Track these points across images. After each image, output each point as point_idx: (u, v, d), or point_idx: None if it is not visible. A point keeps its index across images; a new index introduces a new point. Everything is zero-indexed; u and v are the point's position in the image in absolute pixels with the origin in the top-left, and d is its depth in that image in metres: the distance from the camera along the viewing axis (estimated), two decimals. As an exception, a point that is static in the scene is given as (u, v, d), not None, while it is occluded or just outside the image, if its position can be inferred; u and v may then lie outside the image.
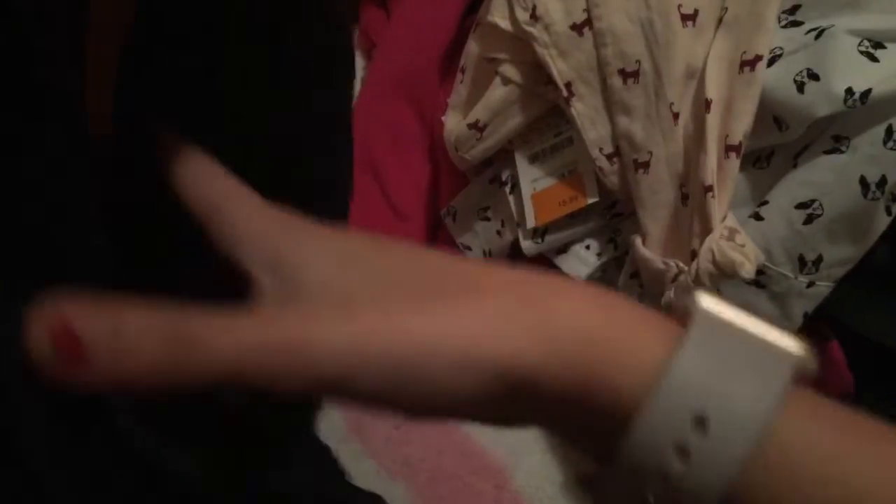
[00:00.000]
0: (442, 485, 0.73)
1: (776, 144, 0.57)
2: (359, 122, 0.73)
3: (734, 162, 0.55)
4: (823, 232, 0.55)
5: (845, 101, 0.51)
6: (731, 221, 0.55)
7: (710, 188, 0.55)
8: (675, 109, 0.57)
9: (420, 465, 0.73)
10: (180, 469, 0.39)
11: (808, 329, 0.60)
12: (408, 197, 0.72)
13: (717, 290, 0.57)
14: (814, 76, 0.53)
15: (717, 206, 0.55)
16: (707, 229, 0.55)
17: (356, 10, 0.90)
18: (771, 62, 0.56)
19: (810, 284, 0.57)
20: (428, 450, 0.73)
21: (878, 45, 0.53)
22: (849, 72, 0.52)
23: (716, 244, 0.53)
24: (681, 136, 0.58)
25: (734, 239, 0.54)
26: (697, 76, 0.58)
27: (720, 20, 0.58)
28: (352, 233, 0.29)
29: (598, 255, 0.65)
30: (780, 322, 0.58)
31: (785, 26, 0.56)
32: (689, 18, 0.58)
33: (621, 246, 0.65)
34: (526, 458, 0.73)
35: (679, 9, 0.58)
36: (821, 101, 0.53)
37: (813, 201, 0.55)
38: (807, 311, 0.58)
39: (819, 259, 0.56)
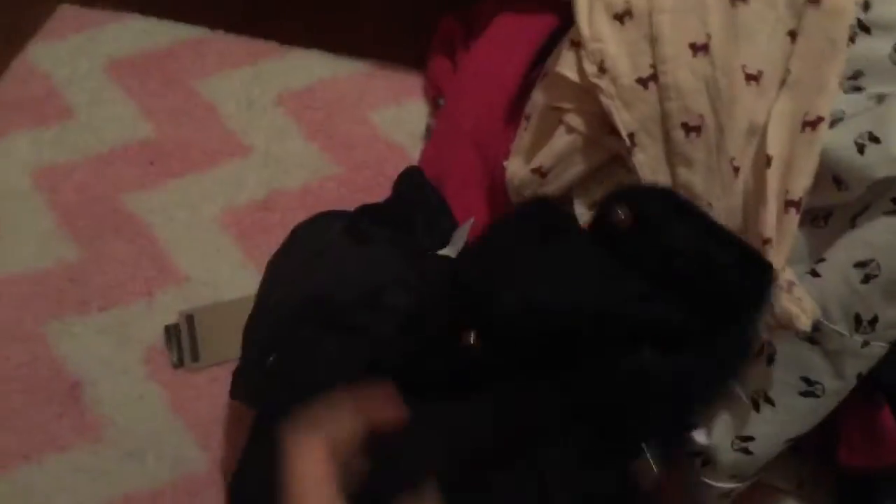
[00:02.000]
0: None
1: (835, 204, 0.58)
2: (427, 168, 0.76)
3: (793, 217, 0.56)
4: (880, 292, 0.56)
5: (902, 163, 0.53)
6: (789, 275, 0.56)
7: (768, 241, 0.56)
8: (735, 164, 0.59)
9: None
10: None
11: (861, 393, 0.60)
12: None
13: (770, 344, 0.58)
14: (874, 139, 0.54)
15: (775, 258, 0.56)
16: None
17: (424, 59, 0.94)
18: (832, 124, 0.57)
19: (865, 344, 0.57)
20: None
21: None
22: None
23: (773, 295, 0.54)
24: (741, 190, 0.59)
25: (791, 291, 0.55)
26: (759, 133, 0.60)
27: (783, 81, 0.60)
28: None
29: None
30: (831, 378, 0.59)
31: (847, 91, 0.58)
32: (753, 78, 0.60)
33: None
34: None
35: (743, 69, 0.60)
36: (880, 163, 0.54)
37: (871, 261, 0.56)
38: (861, 372, 0.58)
39: (875, 319, 0.57)
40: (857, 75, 0.58)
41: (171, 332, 0.82)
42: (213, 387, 0.80)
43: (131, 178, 0.93)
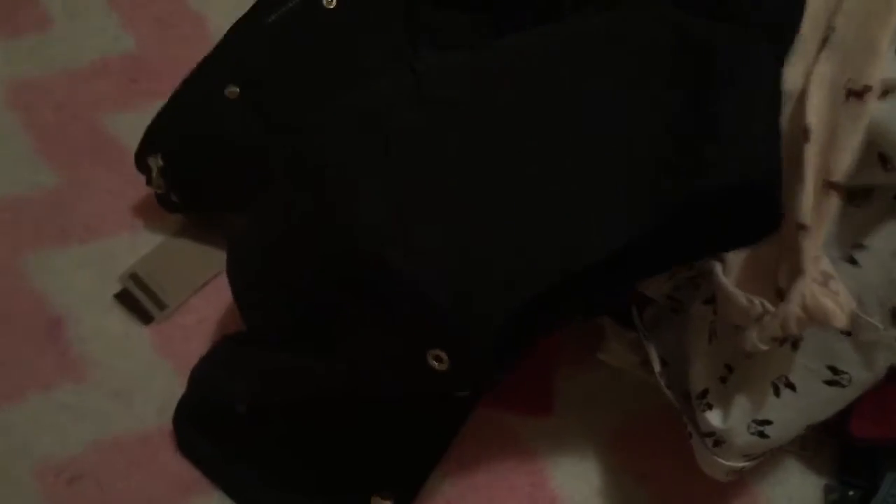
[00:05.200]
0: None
1: (878, 184, 0.53)
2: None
3: (834, 200, 0.52)
4: (923, 284, 0.52)
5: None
6: (825, 265, 0.52)
7: (803, 227, 0.52)
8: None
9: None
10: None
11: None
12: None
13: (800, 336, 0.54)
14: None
15: (810, 246, 0.51)
16: (797, 269, 0.52)
17: None
18: (883, 94, 0.52)
19: (900, 336, 0.54)
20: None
21: None
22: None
23: (808, 289, 0.50)
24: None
25: (828, 285, 0.51)
26: (793, 100, 0.54)
27: (824, 40, 0.54)
28: None
29: (671, 275, 0.62)
30: (861, 370, 0.55)
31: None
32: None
33: (696, 266, 0.62)
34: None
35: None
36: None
37: (914, 250, 0.52)
38: (893, 364, 0.55)
39: (911, 311, 0.53)
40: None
41: (125, 298, 0.77)
42: (200, 328, 0.77)
43: (112, 97, 0.87)
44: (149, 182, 0.78)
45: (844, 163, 0.51)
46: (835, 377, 0.55)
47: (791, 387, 0.56)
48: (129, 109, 0.86)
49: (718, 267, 0.57)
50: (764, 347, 0.52)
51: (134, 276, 0.78)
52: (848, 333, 0.54)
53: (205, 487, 0.69)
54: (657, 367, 0.63)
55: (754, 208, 0.48)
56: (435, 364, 0.52)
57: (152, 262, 0.79)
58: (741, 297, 0.54)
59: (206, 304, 0.77)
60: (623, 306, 0.66)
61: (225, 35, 0.75)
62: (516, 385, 0.72)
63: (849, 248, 0.54)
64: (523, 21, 0.63)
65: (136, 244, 0.80)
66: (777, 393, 0.56)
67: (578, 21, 0.59)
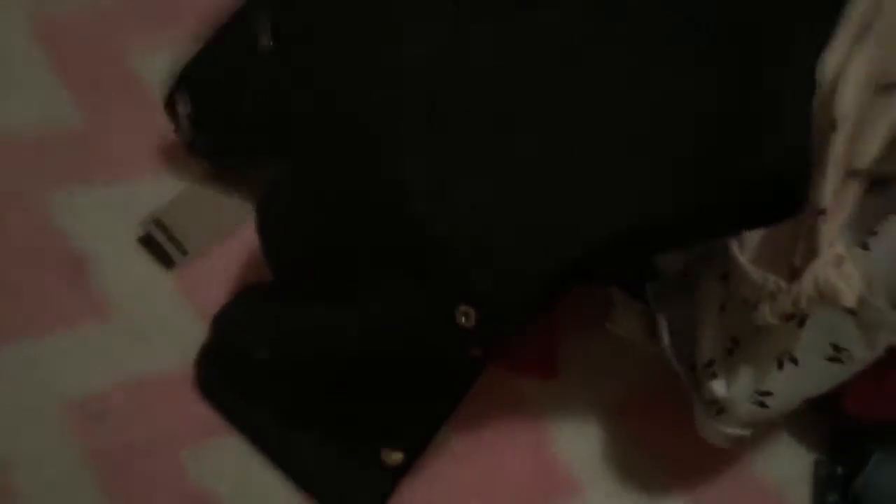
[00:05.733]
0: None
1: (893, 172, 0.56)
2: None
3: (854, 188, 0.54)
4: (927, 272, 0.55)
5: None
6: (840, 248, 0.55)
7: (823, 212, 0.54)
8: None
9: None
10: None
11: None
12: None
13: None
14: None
15: (828, 231, 0.54)
16: (813, 251, 0.55)
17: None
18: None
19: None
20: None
21: None
22: None
23: (822, 271, 0.53)
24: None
25: (841, 267, 0.54)
26: (826, 86, 0.57)
27: (860, 34, 0.56)
28: None
29: (686, 251, 0.65)
30: (862, 348, 0.59)
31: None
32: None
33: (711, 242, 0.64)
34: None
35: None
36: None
37: (924, 241, 0.55)
38: (893, 345, 0.58)
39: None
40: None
41: (148, 242, 0.79)
42: (223, 274, 0.78)
43: (140, 35, 0.88)
44: (176, 128, 0.80)
45: (870, 154, 0.54)
46: (836, 354, 0.58)
47: (794, 361, 0.59)
48: (156, 49, 0.86)
49: (735, 244, 0.60)
50: (774, 322, 0.55)
51: (157, 221, 0.79)
52: (853, 313, 0.57)
53: (224, 430, 0.72)
54: (665, 339, 0.66)
55: (784, 194, 0.51)
56: (463, 320, 0.55)
57: (176, 207, 0.80)
58: (755, 273, 0.57)
59: (228, 252, 0.79)
60: (635, 277, 0.69)
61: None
62: (524, 348, 0.75)
63: (863, 233, 0.57)
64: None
65: (161, 189, 0.81)
66: (780, 366, 0.60)
67: None
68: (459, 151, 0.55)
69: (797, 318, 0.58)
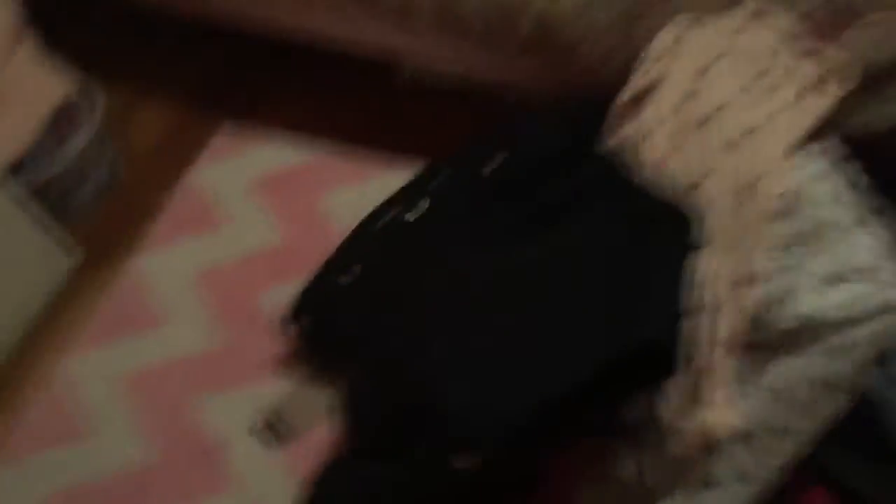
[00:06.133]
0: None
1: (759, 340, 0.77)
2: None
3: (724, 353, 0.76)
4: (787, 409, 0.75)
5: (799, 319, 0.71)
6: (719, 397, 0.75)
7: (703, 369, 0.76)
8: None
9: None
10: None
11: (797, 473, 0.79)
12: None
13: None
14: (779, 300, 0.73)
15: (708, 388, 0.75)
16: (700, 399, 0.76)
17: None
18: (755, 284, 0.76)
19: (782, 446, 0.76)
20: None
21: (839, 279, 0.72)
22: (807, 298, 0.72)
23: (707, 414, 0.74)
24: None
25: (722, 410, 0.75)
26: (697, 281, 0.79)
27: (721, 246, 0.79)
28: None
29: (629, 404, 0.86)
30: (762, 471, 0.77)
31: (768, 260, 0.77)
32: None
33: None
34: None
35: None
36: (784, 318, 0.73)
37: (784, 388, 0.75)
38: (781, 465, 0.77)
39: (786, 428, 0.75)
40: (783, 246, 0.77)
41: (266, 428, 1.08)
42: (322, 449, 1.06)
43: (266, 279, 1.21)
44: (292, 339, 1.10)
45: (735, 330, 0.75)
46: (742, 475, 0.77)
47: (713, 484, 0.78)
48: (278, 288, 1.18)
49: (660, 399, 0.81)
50: (683, 454, 0.76)
51: (274, 412, 1.09)
52: (748, 442, 0.76)
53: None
54: (648, 480, 0.86)
55: (662, 355, 0.73)
56: (460, 464, 0.79)
57: (288, 401, 1.10)
58: (667, 417, 0.78)
59: (324, 431, 1.06)
60: (614, 429, 0.90)
61: (346, 237, 1.07)
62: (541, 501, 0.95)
63: (745, 384, 0.77)
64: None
65: (275, 389, 1.11)
66: (706, 487, 0.79)
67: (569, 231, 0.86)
68: (457, 348, 0.81)
69: (705, 449, 0.78)
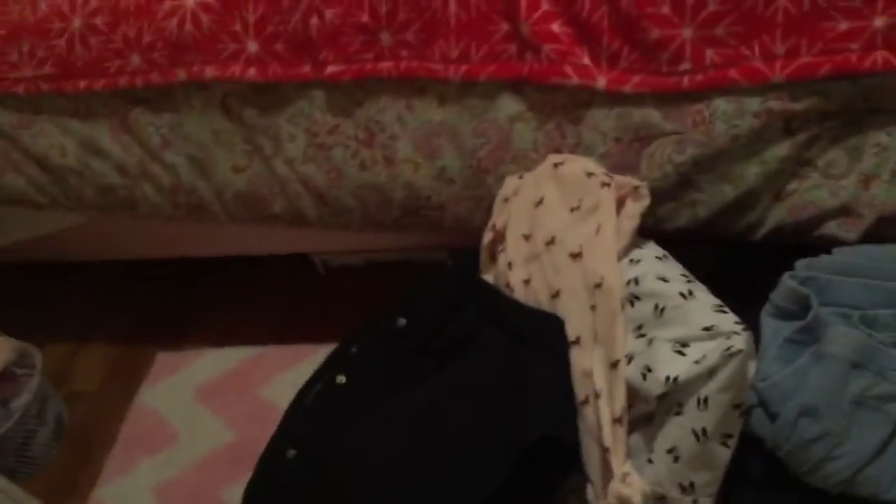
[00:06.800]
0: None
1: (649, 411, 0.88)
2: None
3: (619, 429, 0.86)
4: (687, 466, 0.84)
5: (665, 383, 0.83)
6: (626, 468, 0.85)
7: (607, 449, 0.86)
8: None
9: None
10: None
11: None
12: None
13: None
14: (649, 369, 0.85)
15: (615, 461, 0.85)
16: (610, 473, 0.85)
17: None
18: (628, 361, 0.88)
19: (694, 501, 0.85)
20: None
21: (685, 345, 0.85)
22: (668, 364, 0.84)
23: (615, 485, 0.84)
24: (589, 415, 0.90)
25: (625, 480, 0.84)
26: (590, 375, 0.91)
27: (595, 339, 0.91)
28: None
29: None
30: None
31: (635, 338, 0.89)
32: (576, 343, 0.92)
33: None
34: None
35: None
36: (655, 385, 0.84)
37: (675, 447, 0.85)
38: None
39: (692, 484, 0.85)
40: (639, 327, 0.89)
41: None
42: None
43: (227, 475, 1.28)
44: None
45: (620, 405, 0.86)
46: (666, 537, 0.86)
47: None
48: (234, 483, 1.26)
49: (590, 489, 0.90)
50: (607, 526, 0.85)
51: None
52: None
53: None
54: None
55: (561, 447, 0.84)
56: None
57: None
58: (592, 501, 0.87)
59: None
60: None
61: (282, 417, 1.17)
62: None
63: (649, 452, 0.87)
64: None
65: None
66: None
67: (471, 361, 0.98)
68: (385, 484, 0.90)
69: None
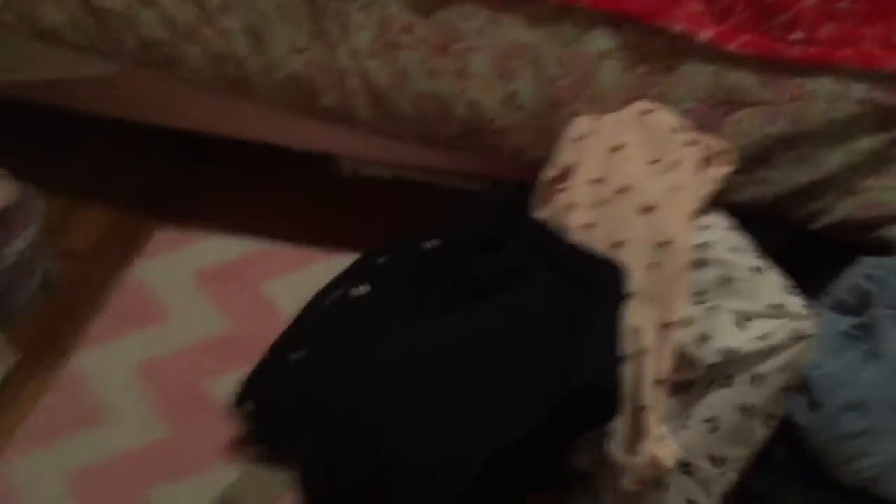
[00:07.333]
0: None
1: (692, 378, 0.85)
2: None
3: (662, 390, 0.84)
4: (724, 439, 0.83)
5: (722, 354, 0.81)
6: (661, 431, 0.83)
7: (643, 407, 0.83)
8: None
9: None
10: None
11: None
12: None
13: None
14: (706, 337, 0.82)
15: (651, 419, 0.83)
16: (645, 433, 0.83)
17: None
18: (682, 326, 0.85)
19: (722, 474, 0.84)
20: None
21: (748, 318, 0.82)
22: (727, 335, 0.81)
23: (650, 446, 0.82)
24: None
25: (663, 441, 0.82)
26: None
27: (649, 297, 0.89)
28: None
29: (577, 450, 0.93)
30: (706, 500, 0.84)
31: (691, 304, 0.86)
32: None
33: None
34: None
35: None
36: (710, 354, 0.82)
37: (715, 418, 0.83)
38: (722, 493, 0.84)
39: (724, 457, 0.83)
40: (698, 293, 0.87)
41: None
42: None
43: (213, 367, 1.23)
44: (242, 422, 1.13)
45: (665, 367, 0.84)
46: (689, 506, 0.85)
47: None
48: (224, 375, 1.21)
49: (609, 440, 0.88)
50: (635, 488, 0.82)
51: (227, 496, 1.10)
52: (691, 474, 0.84)
53: None
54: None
55: (604, 397, 0.81)
56: None
57: (240, 484, 1.12)
58: (617, 455, 0.85)
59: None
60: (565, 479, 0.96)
61: (295, 317, 1.12)
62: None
63: (683, 419, 0.85)
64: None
65: (229, 473, 1.12)
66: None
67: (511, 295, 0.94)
68: (410, 407, 0.87)
69: (656, 482, 0.85)
